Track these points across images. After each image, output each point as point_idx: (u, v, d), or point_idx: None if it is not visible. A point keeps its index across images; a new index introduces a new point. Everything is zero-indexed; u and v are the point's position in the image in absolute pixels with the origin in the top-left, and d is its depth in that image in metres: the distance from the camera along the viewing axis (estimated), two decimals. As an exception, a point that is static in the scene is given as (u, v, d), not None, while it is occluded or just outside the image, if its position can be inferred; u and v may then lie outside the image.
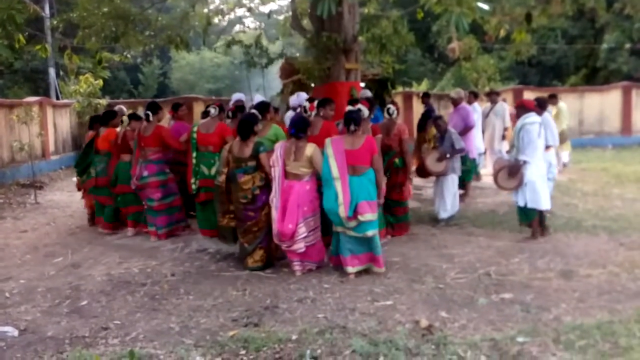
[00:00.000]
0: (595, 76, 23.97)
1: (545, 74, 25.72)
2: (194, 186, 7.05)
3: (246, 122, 6.07)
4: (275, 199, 5.72)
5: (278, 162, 5.76)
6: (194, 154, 7.11)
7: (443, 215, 7.84)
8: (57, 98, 19.18)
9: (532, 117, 6.71)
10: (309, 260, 5.85)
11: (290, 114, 8.44)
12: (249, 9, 13.91)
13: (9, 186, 12.13)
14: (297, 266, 5.81)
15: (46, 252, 7.12)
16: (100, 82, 16.23)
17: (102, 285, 5.69)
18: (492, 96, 11.53)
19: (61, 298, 5.35)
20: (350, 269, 5.66)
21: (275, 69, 11.44)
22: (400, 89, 19.10)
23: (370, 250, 5.70)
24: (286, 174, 5.76)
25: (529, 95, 18.83)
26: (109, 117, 8.22)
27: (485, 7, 5.56)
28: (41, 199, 11.09)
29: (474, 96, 11.03)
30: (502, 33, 11.18)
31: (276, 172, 5.76)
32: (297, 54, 11.62)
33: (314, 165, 5.70)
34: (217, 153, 6.87)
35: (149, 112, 7.40)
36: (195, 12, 11.69)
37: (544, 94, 18.42)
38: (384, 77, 11.40)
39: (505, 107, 11.52)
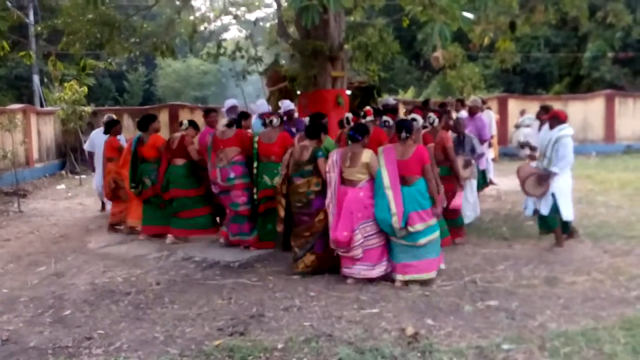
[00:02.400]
0: (578, 84, 24.25)
1: (529, 82, 25.98)
2: (256, 196, 6.92)
3: (315, 120, 6.12)
4: (331, 205, 5.66)
5: (334, 168, 5.70)
6: (255, 164, 6.96)
7: (466, 220, 7.86)
8: (42, 105, 19.05)
9: (567, 129, 6.71)
10: (363, 263, 5.67)
11: (256, 121, 8.46)
12: (235, 17, 13.95)
13: (-9, 194, 11.99)
14: (348, 270, 5.70)
15: (29, 261, 7.03)
16: (85, 89, 16.11)
17: (86, 294, 5.63)
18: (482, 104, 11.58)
19: (44, 308, 5.27)
20: (399, 277, 5.61)
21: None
22: (386, 96, 19.16)
23: (421, 258, 5.61)
24: (342, 180, 5.70)
25: (513, 103, 19.07)
26: (148, 122, 7.94)
27: (470, 15, 5.59)
28: (25, 207, 10.97)
29: (460, 104, 11.09)
30: (487, 41, 11.28)
31: (332, 178, 5.69)
32: (283, 62, 11.60)
33: (371, 172, 5.64)
34: (279, 163, 6.72)
35: (235, 119, 7.35)
36: (180, 19, 11.67)
37: (528, 102, 18.69)
38: (370, 84, 11.44)
39: (492, 115, 11.60)
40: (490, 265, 6.22)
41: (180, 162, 7.52)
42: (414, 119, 6.16)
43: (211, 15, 14.16)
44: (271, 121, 7.09)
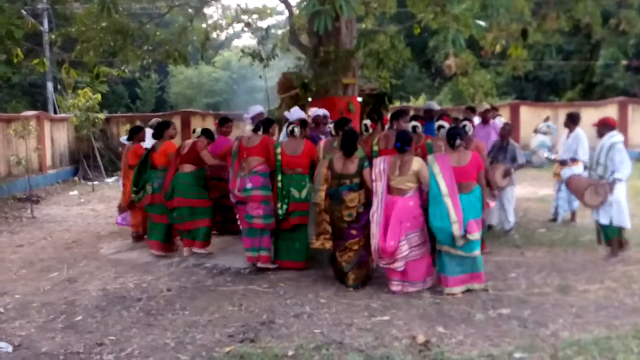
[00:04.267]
0: (591, 91, 24.10)
1: (542, 89, 25.86)
2: (280, 211, 6.47)
3: (350, 137, 5.88)
4: (376, 214, 5.51)
5: (381, 176, 5.60)
6: (279, 177, 6.56)
7: (507, 226, 7.84)
8: (55, 112, 19.20)
9: (618, 136, 6.69)
10: (409, 280, 5.58)
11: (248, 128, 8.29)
12: (247, 24, 13.98)
13: (5, 200, 12.11)
14: (395, 286, 5.60)
15: (42, 266, 7.09)
16: (99, 96, 16.27)
17: (98, 300, 5.66)
18: (492, 112, 11.54)
19: (56, 313, 5.31)
20: (451, 289, 5.51)
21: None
22: (397, 103, 19.18)
23: (472, 270, 5.57)
24: (389, 189, 5.62)
25: (525, 110, 18.97)
26: (162, 129, 7.73)
27: (482, 23, 5.59)
28: (38, 213, 11.06)
29: (471, 111, 11.05)
30: (499, 48, 11.24)
31: (378, 187, 5.58)
32: (296, 69, 11.62)
33: (421, 180, 5.56)
34: (307, 175, 6.55)
35: (260, 126, 6.95)
36: (193, 27, 11.74)
37: (541, 109, 18.60)
38: (381, 92, 11.43)
39: (503, 122, 11.53)
40: (502, 273, 6.18)
41: (188, 168, 7.18)
42: (464, 125, 6.12)
43: (223, 22, 14.23)
44: (292, 131, 6.69)
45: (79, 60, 10.23)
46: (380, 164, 5.66)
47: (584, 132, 8.36)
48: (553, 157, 8.91)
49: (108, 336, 4.69)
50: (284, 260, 6.62)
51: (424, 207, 5.59)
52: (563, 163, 8.47)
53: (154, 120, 10.02)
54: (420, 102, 23.20)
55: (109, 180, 16.37)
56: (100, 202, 12.51)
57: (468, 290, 5.57)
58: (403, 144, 5.59)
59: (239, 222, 6.93)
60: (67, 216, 10.76)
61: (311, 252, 6.49)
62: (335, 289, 5.76)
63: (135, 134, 8.45)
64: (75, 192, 14.20)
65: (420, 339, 4.41)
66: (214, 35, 14.00)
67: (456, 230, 5.32)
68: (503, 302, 5.26)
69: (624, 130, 18.50)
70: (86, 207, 11.93)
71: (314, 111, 8.37)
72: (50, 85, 20.12)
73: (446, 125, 6.64)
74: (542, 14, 9.83)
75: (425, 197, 5.59)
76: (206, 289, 5.97)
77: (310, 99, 10.02)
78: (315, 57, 9.59)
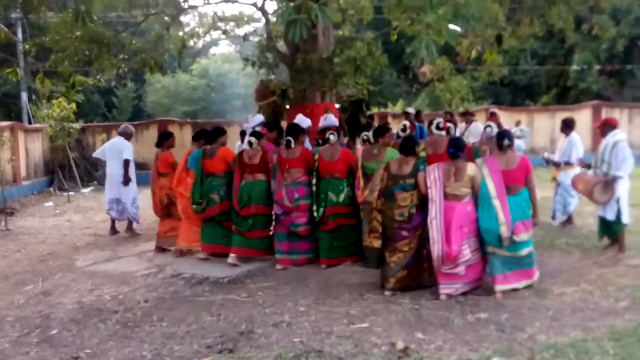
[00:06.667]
0: (566, 95, 24.48)
1: (517, 94, 26.21)
2: (316, 214, 6.83)
3: (409, 141, 6.07)
4: (435, 220, 5.52)
5: (437, 183, 5.63)
6: (315, 181, 6.92)
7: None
8: (30, 122, 18.96)
9: (620, 134, 6.93)
10: (464, 281, 5.64)
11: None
12: (224, 32, 13.96)
13: (-21, 212, 11.87)
14: (447, 289, 5.58)
15: (16, 280, 6.95)
16: (74, 105, 16.08)
17: (73, 313, 5.57)
18: (467, 116, 11.67)
19: (31, 327, 5.21)
20: (499, 287, 5.59)
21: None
22: (375, 109, 19.25)
23: (520, 267, 5.68)
24: (445, 195, 5.63)
25: (502, 115, 19.14)
26: (218, 134, 7.49)
27: (457, 28, 5.65)
28: (12, 225, 10.86)
29: (449, 116, 11.16)
30: (474, 54, 11.38)
31: (435, 194, 5.61)
32: (273, 76, 11.64)
33: (474, 184, 5.62)
34: (344, 179, 6.89)
35: (291, 139, 6.98)
36: (169, 35, 11.67)
37: (516, 113, 18.81)
38: (359, 98, 11.47)
39: (479, 126, 11.66)
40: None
41: (262, 177, 7.12)
42: (509, 130, 6.24)
43: (200, 30, 14.18)
44: (328, 139, 6.99)
45: (54, 69, 10.10)
46: (434, 170, 5.70)
47: (578, 136, 8.52)
48: (546, 155, 8.99)
49: (84, 350, 4.62)
50: (324, 258, 6.90)
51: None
52: (559, 166, 8.64)
53: (123, 127, 9.94)
54: (398, 108, 23.35)
55: (85, 190, 16.18)
56: (76, 212, 12.34)
57: (457, 294, 5.59)
58: (456, 150, 5.70)
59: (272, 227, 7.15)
60: (42, 228, 10.59)
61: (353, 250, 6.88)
62: (315, 297, 5.75)
63: (165, 141, 8.17)
64: (51, 203, 14.00)
65: (400, 345, 4.42)
66: (191, 43, 13.93)
67: (504, 232, 5.45)
68: (481, 307, 5.29)
69: (597, 134, 18.82)
70: (61, 218, 11.76)
71: (258, 118, 8.49)
72: (24, 95, 19.87)
73: (493, 125, 6.96)
74: (516, 20, 9.97)
75: (475, 200, 5.70)
76: (184, 299, 5.92)
77: (288, 107, 10.04)
78: (292, 64, 9.60)
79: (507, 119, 18.22)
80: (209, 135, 7.54)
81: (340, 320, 5.05)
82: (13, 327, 5.24)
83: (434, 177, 5.66)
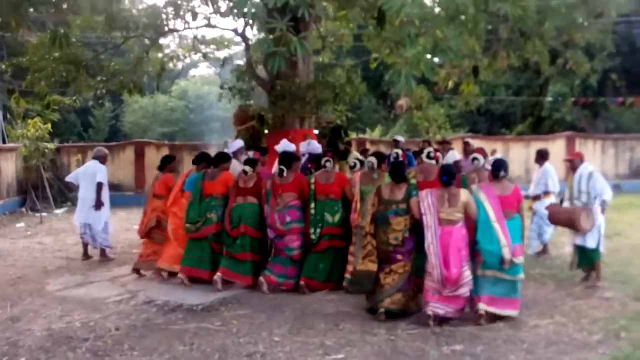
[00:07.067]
0: (540, 125, 24.87)
1: (494, 123, 26.56)
2: (313, 236, 6.99)
3: (398, 167, 6.28)
4: (432, 245, 5.66)
5: (431, 209, 5.75)
6: (313, 204, 7.10)
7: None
8: (4, 142, 18.63)
9: (591, 166, 7.34)
10: (456, 308, 5.74)
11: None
12: (205, 55, 13.96)
13: (-53, 233, 11.59)
14: (437, 309, 5.66)
15: (-17, 305, 6.77)
16: (49, 126, 15.89)
17: (42, 341, 5.42)
18: (444, 145, 11.77)
19: (-3, 356, 5.07)
20: (484, 307, 5.68)
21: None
22: (354, 135, 19.37)
23: (509, 295, 5.78)
24: (439, 221, 5.74)
25: (478, 143, 19.37)
26: (223, 159, 7.67)
27: (436, 59, 5.74)
28: (-19, 246, 10.62)
29: (427, 144, 11.24)
30: (452, 84, 11.55)
31: (430, 220, 5.73)
32: (252, 101, 11.63)
33: (469, 210, 5.78)
34: (339, 201, 7.10)
35: (284, 168, 7.10)
36: (149, 58, 11.63)
37: (492, 142, 19.06)
38: (338, 124, 11.54)
39: (457, 156, 11.76)
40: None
41: (254, 200, 7.26)
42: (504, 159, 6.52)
43: (180, 53, 14.18)
44: (325, 166, 7.25)
45: (30, 90, 10.00)
46: (427, 197, 5.84)
47: (552, 166, 8.70)
48: (525, 193, 9.10)
49: (51, 380, 4.50)
50: (305, 277, 7.00)
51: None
52: (536, 198, 8.79)
53: (97, 150, 9.81)
54: (376, 134, 23.50)
55: (58, 211, 15.88)
56: (49, 235, 12.09)
57: (422, 326, 5.57)
58: (449, 178, 5.86)
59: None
60: (13, 250, 10.35)
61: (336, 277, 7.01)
62: (290, 326, 5.68)
63: (168, 164, 8.26)
64: (22, 225, 13.71)
65: (375, 378, 4.38)
66: (171, 65, 13.90)
67: (507, 253, 5.59)
68: (456, 338, 5.28)
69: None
70: (33, 240, 11.51)
71: (238, 144, 8.68)
72: (-1, 114, 19.58)
73: (480, 158, 7.34)
74: (493, 52, 10.15)
75: (472, 226, 5.83)
76: (156, 327, 5.80)
77: (267, 132, 10.04)
78: (272, 90, 9.64)
79: (484, 147, 18.48)
80: (214, 160, 7.74)
81: (316, 352, 5.00)
82: (-22, 356, 5.09)
83: (427, 204, 5.80)
